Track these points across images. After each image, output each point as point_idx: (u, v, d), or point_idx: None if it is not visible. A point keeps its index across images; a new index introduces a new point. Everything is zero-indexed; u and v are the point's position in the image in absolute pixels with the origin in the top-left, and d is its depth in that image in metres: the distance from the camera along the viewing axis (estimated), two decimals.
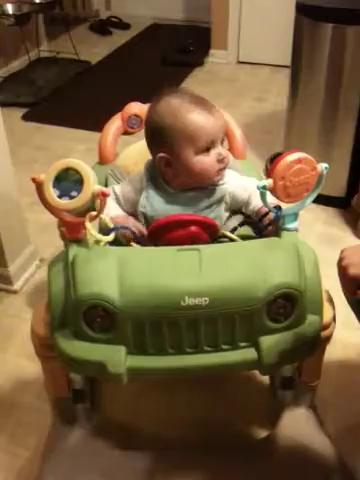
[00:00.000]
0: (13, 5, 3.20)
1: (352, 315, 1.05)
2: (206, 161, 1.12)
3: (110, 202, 1.17)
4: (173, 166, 1.14)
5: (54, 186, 0.96)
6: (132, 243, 1.12)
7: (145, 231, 1.14)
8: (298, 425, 1.24)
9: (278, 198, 1.02)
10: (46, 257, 1.89)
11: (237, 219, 1.23)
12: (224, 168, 1.16)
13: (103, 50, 3.92)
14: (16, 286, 1.79)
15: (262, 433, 1.32)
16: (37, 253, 1.90)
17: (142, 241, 1.13)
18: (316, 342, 1.04)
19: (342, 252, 0.97)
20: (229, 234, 1.17)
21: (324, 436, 1.22)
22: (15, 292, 1.79)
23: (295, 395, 1.28)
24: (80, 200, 0.95)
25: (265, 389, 1.41)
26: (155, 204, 1.17)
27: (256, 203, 1.18)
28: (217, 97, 3.08)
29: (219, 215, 1.18)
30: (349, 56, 1.90)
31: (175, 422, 1.36)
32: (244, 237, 1.17)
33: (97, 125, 2.79)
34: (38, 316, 1.08)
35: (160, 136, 1.13)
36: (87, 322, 0.95)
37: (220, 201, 1.18)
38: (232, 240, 1.16)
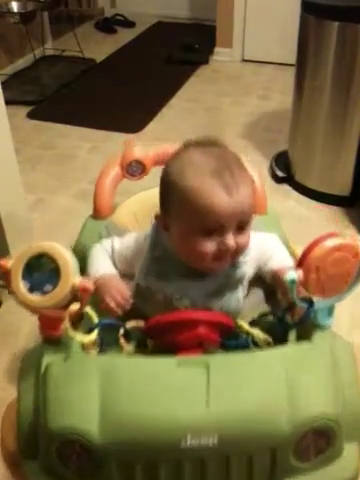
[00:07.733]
0: (18, 3, 3.20)
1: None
2: (202, 245, 0.84)
3: (101, 255, 1.01)
4: (170, 232, 0.90)
5: (24, 277, 0.76)
6: (121, 339, 0.89)
7: (129, 302, 0.93)
8: None
9: (310, 293, 0.81)
10: None
11: (256, 295, 1.00)
12: (228, 258, 0.87)
13: (108, 48, 3.91)
14: None
15: None
16: None
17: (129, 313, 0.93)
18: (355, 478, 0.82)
19: None
20: (247, 327, 0.90)
21: None
22: None
23: None
24: (54, 298, 0.75)
25: None
26: (150, 273, 0.93)
27: (275, 263, 0.95)
28: (222, 95, 3.07)
29: (236, 298, 0.93)
30: (355, 54, 1.89)
31: None
32: (262, 318, 0.93)
33: (102, 123, 2.85)
34: (8, 423, 0.89)
35: (163, 191, 0.90)
36: (61, 459, 0.76)
37: (236, 284, 0.92)
38: (248, 334, 0.90)
